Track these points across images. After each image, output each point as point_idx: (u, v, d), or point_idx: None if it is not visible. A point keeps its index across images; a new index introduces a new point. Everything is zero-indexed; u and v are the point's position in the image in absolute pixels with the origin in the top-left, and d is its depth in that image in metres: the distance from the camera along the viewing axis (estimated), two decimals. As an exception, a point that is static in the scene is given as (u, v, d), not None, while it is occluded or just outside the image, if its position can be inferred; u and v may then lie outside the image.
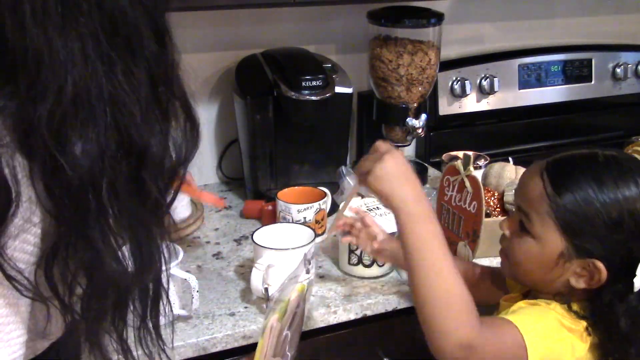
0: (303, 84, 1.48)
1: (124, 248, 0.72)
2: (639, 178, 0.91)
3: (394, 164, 0.95)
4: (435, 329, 0.89)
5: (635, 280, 0.90)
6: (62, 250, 0.67)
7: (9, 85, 0.62)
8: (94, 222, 0.67)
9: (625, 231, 0.90)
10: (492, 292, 1.14)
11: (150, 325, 0.78)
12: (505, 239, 1.03)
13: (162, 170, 0.71)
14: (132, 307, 0.75)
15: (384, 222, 1.28)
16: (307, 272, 1.23)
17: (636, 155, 1.88)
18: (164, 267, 0.77)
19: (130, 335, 0.78)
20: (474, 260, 1.32)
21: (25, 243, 0.67)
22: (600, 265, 0.92)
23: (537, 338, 0.91)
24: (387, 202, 0.95)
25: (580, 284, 0.94)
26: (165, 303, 0.80)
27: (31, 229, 0.66)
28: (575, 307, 0.95)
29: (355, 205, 1.34)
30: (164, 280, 0.78)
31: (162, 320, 0.81)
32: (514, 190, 1.41)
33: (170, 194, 0.75)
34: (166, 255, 0.77)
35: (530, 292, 1.05)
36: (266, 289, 1.18)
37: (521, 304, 0.99)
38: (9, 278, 0.66)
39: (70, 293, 0.69)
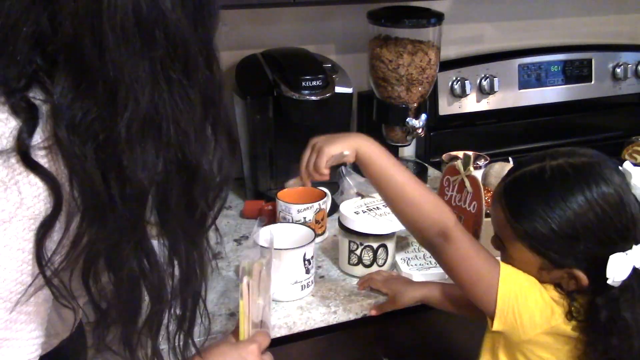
0: (303, 84, 1.48)
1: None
2: (585, 185, 0.95)
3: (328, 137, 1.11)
4: (417, 226, 1.06)
5: (608, 281, 0.94)
6: (107, 257, 0.71)
7: (87, 100, 0.66)
8: (143, 230, 0.71)
9: (584, 241, 0.95)
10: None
11: (182, 337, 0.82)
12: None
13: (210, 188, 0.77)
14: (168, 318, 0.79)
15: (384, 222, 1.28)
16: (307, 272, 1.23)
17: (635, 155, 1.89)
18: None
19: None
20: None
21: (62, 247, 0.69)
22: (578, 273, 0.97)
23: (512, 276, 0.99)
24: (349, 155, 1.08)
25: (570, 286, 0.99)
26: (202, 316, 0.85)
27: (68, 234, 0.68)
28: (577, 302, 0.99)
29: (353, 206, 1.34)
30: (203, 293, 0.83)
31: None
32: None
33: (215, 211, 0.79)
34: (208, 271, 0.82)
35: None
36: (266, 289, 1.18)
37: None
38: (49, 282, 0.68)
39: (110, 302, 0.73)
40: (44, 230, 0.66)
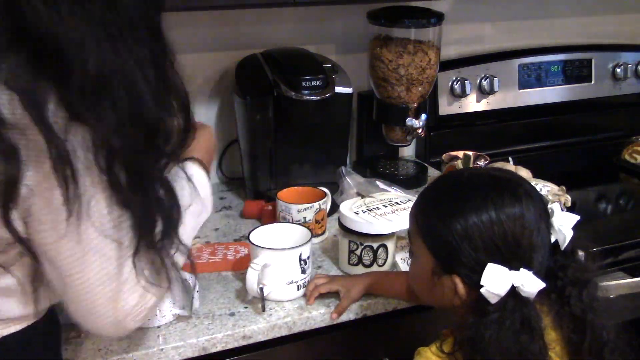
0: (303, 84, 1.48)
1: None
2: (493, 196, 0.94)
3: None
4: None
5: (482, 290, 0.91)
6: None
7: (46, 76, 0.72)
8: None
9: (471, 242, 0.93)
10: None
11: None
12: None
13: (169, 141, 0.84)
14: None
15: (384, 222, 1.28)
16: (303, 272, 1.23)
17: (635, 156, 1.89)
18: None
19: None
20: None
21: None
22: (456, 279, 0.95)
23: None
24: None
25: (456, 300, 0.97)
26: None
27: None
28: (446, 347, 0.97)
29: (353, 206, 1.34)
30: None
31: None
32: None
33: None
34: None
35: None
36: (261, 289, 1.18)
37: None
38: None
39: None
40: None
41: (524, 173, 1.52)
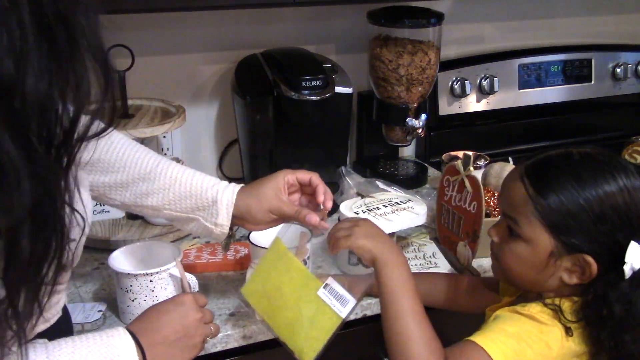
0: (303, 84, 1.48)
1: None
2: (615, 172, 0.96)
3: (369, 226, 1.09)
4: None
5: (624, 267, 0.93)
6: None
7: None
8: None
9: (610, 223, 0.94)
10: (484, 300, 1.16)
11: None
12: (495, 244, 1.06)
13: (45, 114, 0.66)
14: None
15: (384, 222, 1.28)
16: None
17: (635, 155, 1.89)
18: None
19: None
20: (473, 261, 1.32)
21: None
22: (589, 259, 0.95)
23: (505, 354, 0.93)
24: (367, 255, 1.04)
25: (572, 279, 0.97)
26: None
27: None
28: (566, 309, 0.97)
29: (353, 206, 1.34)
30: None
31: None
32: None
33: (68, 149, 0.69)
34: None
35: (520, 296, 1.07)
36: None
37: (500, 312, 1.01)
38: None
39: None
40: None
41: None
